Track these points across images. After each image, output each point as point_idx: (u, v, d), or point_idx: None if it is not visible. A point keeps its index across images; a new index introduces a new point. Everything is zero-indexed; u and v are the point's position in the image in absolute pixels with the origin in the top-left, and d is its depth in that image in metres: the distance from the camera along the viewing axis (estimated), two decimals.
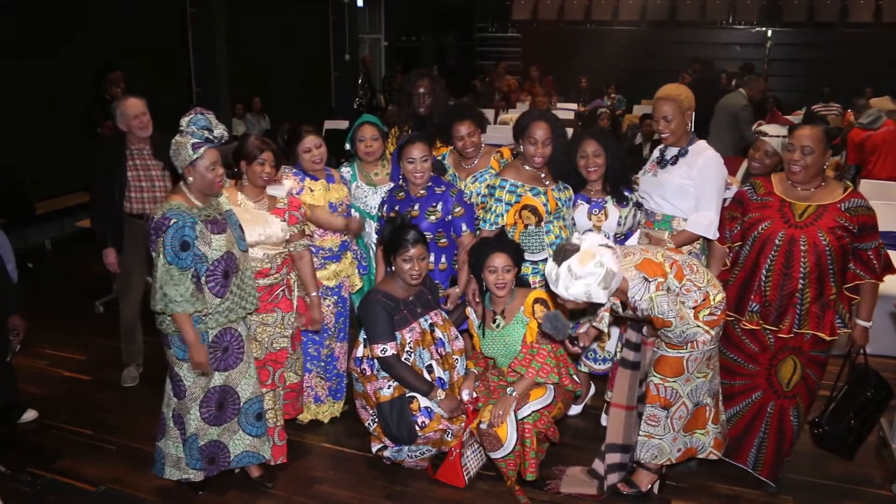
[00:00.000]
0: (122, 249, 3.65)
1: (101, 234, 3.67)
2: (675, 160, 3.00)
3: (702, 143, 3.03)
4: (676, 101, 2.95)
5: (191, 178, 2.56)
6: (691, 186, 2.96)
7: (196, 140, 2.52)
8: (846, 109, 8.05)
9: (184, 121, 2.55)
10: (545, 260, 3.23)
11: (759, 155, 3.16)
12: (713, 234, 2.92)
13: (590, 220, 3.17)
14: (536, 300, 2.95)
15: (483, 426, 2.83)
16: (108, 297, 4.80)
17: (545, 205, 3.10)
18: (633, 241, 3.17)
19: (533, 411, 2.83)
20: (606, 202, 3.15)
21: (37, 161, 5.85)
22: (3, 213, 5.26)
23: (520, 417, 2.82)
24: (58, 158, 5.90)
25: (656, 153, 3.16)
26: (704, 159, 2.94)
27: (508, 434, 2.79)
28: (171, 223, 2.47)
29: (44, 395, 3.68)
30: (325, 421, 3.44)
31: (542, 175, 3.15)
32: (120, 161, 3.56)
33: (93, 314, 4.81)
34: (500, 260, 2.89)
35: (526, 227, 3.14)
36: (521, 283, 3.08)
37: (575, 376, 3.03)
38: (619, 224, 3.13)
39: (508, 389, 2.88)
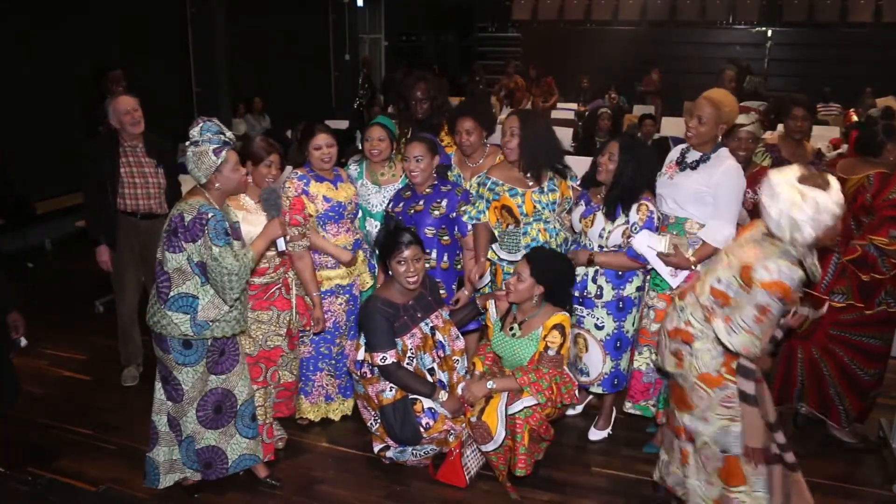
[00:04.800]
0: (115, 247, 3.64)
1: (93, 232, 3.66)
2: (696, 165, 2.90)
3: (724, 151, 2.92)
4: (717, 107, 2.83)
5: (218, 184, 2.56)
6: (708, 194, 2.85)
7: (216, 145, 2.52)
8: (848, 109, 8.03)
9: (194, 132, 2.53)
10: None
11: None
12: None
13: (580, 222, 3.11)
14: (555, 326, 2.89)
15: (473, 419, 2.84)
16: (108, 296, 4.76)
17: (520, 206, 3.08)
18: (644, 240, 2.95)
19: (525, 407, 2.82)
20: (598, 210, 3.03)
21: (37, 161, 5.84)
22: (2, 213, 5.26)
23: (510, 412, 2.81)
24: (58, 158, 5.88)
25: (676, 154, 3.05)
26: (726, 168, 2.83)
27: (498, 428, 2.79)
28: (210, 216, 2.47)
29: (44, 395, 3.68)
30: (336, 419, 3.44)
31: (527, 176, 3.11)
32: (114, 158, 3.56)
33: (93, 314, 4.81)
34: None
35: (507, 225, 3.15)
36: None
37: (571, 396, 2.99)
38: (600, 236, 3.00)
39: (488, 384, 2.89)
